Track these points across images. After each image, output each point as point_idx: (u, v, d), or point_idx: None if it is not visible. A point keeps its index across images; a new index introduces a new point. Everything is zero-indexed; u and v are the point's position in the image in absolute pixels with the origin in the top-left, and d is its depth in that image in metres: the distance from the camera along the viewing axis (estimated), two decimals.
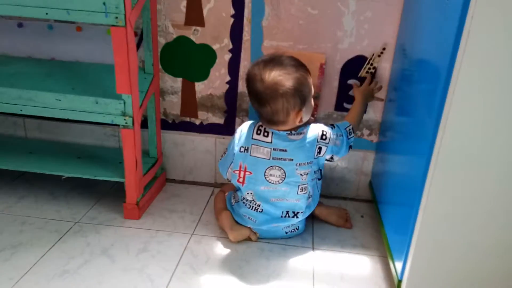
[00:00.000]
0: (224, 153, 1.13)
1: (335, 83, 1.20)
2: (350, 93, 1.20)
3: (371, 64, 1.14)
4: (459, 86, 0.70)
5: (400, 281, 0.87)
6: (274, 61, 0.98)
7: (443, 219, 0.81)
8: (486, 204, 0.78)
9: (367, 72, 1.15)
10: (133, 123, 1.08)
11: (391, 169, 1.07)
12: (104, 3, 0.96)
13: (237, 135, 1.08)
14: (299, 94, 0.97)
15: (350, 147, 1.08)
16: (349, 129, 1.08)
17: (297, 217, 1.07)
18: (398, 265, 0.90)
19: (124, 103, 1.06)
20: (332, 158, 1.06)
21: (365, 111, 1.19)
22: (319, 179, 1.09)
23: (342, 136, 1.06)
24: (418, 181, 0.80)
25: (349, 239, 1.12)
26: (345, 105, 1.22)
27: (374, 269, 1.02)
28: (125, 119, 1.07)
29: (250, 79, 1.00)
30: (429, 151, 0.76)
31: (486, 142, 0.73)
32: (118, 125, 1.09)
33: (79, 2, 0.97)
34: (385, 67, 1.16)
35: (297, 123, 1.01)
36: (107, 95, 1.09)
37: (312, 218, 1.16)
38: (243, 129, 1.07)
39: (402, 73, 1.05)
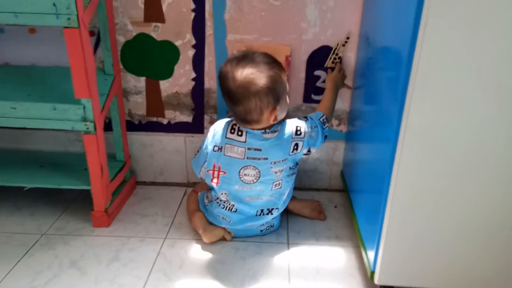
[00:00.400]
0: (198, 151, 1.10)
1: (302, 75, 1.19)
2: (318, 84, 1.19)
3: (336, 54, 1.13)
4: (420, 71, 0.70)
5: (373, 272, 0.88)
6: (247, 58, 0.95)
7: (412, 205, 0.81)
8: (454, 187, 0.79)
9: (333, 62, 1.15)
10: (95, 128, 1.03)
11: (361, 158, 1.08)
12: (54, 4, 0.90)
13: (210, 133, 1.05)
14: (273, 93, 0.95)
15: (326, 137, 1.07)
16: (323, 119, 1.07)
17: (271, 214, 1.06)
18: (371, 255, 0.90)
19: (84, 108, 1.01)
20: (309, 151, 1.04)
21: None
22: (293, 174, 1.08)
23: (317, 127, 1.04)
24: (386, 168, 0.80)
25: (324, 230, 1.12)
26: (314, 96, 1.21)
27: (349, 260, 1.02)
28: (86, 125, 1.02)
29: (222, 77, 0.97)
30: (394, 137, 0.77)
31: (450, 125, 0.74)
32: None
33: (27, 3, 0.91)
34: (350, 56, 1.15)
35: (272, 122, 0.99)
36: (66, 100, 1.04)
37: (286, 213, 1.16)
38: (216, 127, 1.04)
39: (366, 62, 1.05)
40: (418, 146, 0.76)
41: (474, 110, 0.72)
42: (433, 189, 0.80)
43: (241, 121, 1.00)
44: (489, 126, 0.74)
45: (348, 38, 1.12)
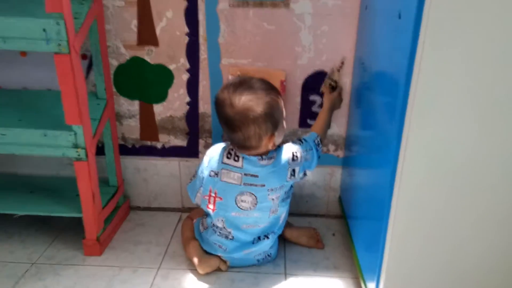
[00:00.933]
0: (193, 176, 1.08)
1: (297, 99, 1.17)
2: (313, 109, 1.17)
3: (331, 79, 1.12)
4: (418, 96, 0.70)
5: None
6: (244, 84, 0.95)
7: (414, 233, 0.79)
8: (456, 212, 0.77)
9: (329, 86, 1.13)
10: (86, 155, 1.01)
11: (359, 183, 1.05)
12: (44, 30, 0.89)
13: (206, 158, 1.03)
14: (271, 119, 0.94)
15: (319, 157, 1.06)
16: (317, 141, 1.06)
17: (268, 238, 1.03)
18: (371, 287, 0.87)
19: (75, 134, 0.99)
20: (305, 174, 1.03)
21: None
22: (288, 198, 1.06)
23: (312, 149, 1.03)
24: (386, 194, 0.78)
25: (322, 260, 1.09)
26: (309, 121, 1.19)
27: None
28: (77, 151, 1.00)
29: (219, 104, 0.96)
30: (394, 162, 0.75)
31: (449, 151, 0.73)
32: None
33: (16, 29, 0.89)
34: (345, 82, 1.14)
35: (270, 148, 0.98)
36: (58, 126, 1.02)
37: (283, 241, 1.13)
38: (212, 152, 1.02)
39: (362, 86, 1.03)
40: (418, 170, 0.75)
41: (473, 133, 0.72)
42: (435, 215, 0.78)
43: (238, 147, 0.98)
44: (489, 150, 0.72)
45: (342, 63, 1.11)
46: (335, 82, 1.12)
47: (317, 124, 1.10)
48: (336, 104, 1.13)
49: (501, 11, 0.64)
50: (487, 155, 0.73)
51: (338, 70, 1.11)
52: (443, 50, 0.66)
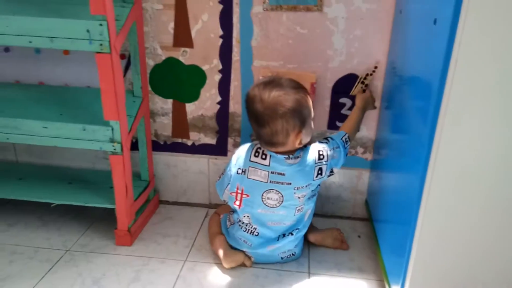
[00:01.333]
0: (222, 173, 1.11)
1: (327, 102, 1.18)
2: (343, 111, 1.18)
3: (363, 83, 1.12)
4: (451, 103, 0.70)
5: None
6: (274, 82, 0.98)
7: (441, 239, 0.79)
8: (486, 221, 0.77)
9: (360, 90, 1.13)
10: (122, 149, 1.06)
11: (387, 187, 1.05)
12: (88, 30, 0.94)
13: (234, 156, 1.06)
14: (299, 115, 0.96)
15: (346, 155, 1.07)
16: (345, 139, 1.06)
17: (292, 235, 1.05)
18: None
19: (112, 129, 1.04)
20: (332, 171, 1.04)
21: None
22: (314, 196, 1.07)
23: (339, 147, 1.04)
24: (414, 199, 0.78)
25: (346, 261, 1.10)
26: (338, 123, 1.20)
27: None
28: (113, 146, 1.05)
29: (250, 100, 0.99)
30: (423, 168, 0.75)
31: (480, 157, 0.73)
32: None
33: (62, 29, 0.95)
34: (377, 85, 1.14)
35: (297, 146, 0.99)
36: (96, 121, 1.07)
37: (308, 242, 1.14)
38: (241, 150, 1.05)
39: (394, 91, 1.03)
40: (448, 177, 0.74)
41: (505, 140, 0.71)
42: (464, 223, 0.77)
43: (266, 143, 1.00)
44: None
45: (376, 67, 1.11)
46: (366, 85, 1.13)
47: (347, 123, 1.11)
48: (369, 104, 1.13)
49: None
50: None
51: (371, 74, 1.12)
52: (477, 57, 0.66)
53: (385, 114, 1.11)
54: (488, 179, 0.74)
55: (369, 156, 1.23)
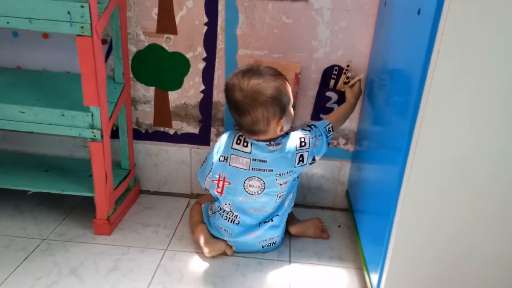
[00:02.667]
0: (204, 161, 1.10)
1: (311, 93, 1.19)
2: (328, 105, 1.19)
3: (347, 77, 1.13)
4: (432, 95, 0.70)
5: None
6: (252, 70, 0.97)
7: (419, 229, 0.81)
8: (463, 211, 0.78)
9: (345, 83, 1.14)
10: (101, 136, 1.03)
11: (367, 178, 1.07)
12: (68, 12, 0.91)
13: (216, 144, 1.06)
14: (279, 103, 0.96)
15: (329, 143, 1.07)
16: (329, 128, 1.07)
17: (272, 221, 1.05)
18: (374, 278, 0.89)
19: (92, 115, 1.01)
20: (314, 159, 1.04)
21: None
22: (294, 180, 1.07)
23: (322, 135, 1.05)
24: (393, 189, 0.80)
25: (326, 250, 1.11)
26: (322, 115, 1.21)
27: (351, 282, 1.01)
28: (93, 132, 1.03)
29: (229, 89, 0.98)
30: (403, 160, 0.76)
31: (460, 149, 0.74)
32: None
33: (42, 10, 0.92)
34: (360, 77, 1.15)
35: (278, 133, 1.00)
36: (75, 107, 1.05)
37: (289, 233, 1.14)
38: (222, 138, 1.05)
39: (376, 83, 1.05)
40: (427, 168, 0.75)
41: (484, 132, 0.72)
42: (442, 213, 0.79)
43: (247, 132, 1.00)
44: (499, 148, 0.73)
45: (348, 66, 1.13)
46: (348, 78, 1.14)
47: (334, 113, 1.11)
48: (357, 98, 1.13)
49: None
50: (496, 153, 0.73)
51: (345, 73, 1.13)
52: (460, 48, 0.67)
53: (368, 106, 1.12)
54: (467, 170, 0.75)
55: (350, 147, 1.24)
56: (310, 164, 1.04)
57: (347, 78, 1.14)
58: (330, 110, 1.18)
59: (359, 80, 1.13)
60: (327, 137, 1.06)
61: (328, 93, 1.17)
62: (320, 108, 1.20)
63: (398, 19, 0.90)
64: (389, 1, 0.98)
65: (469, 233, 0.80)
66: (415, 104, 0.72)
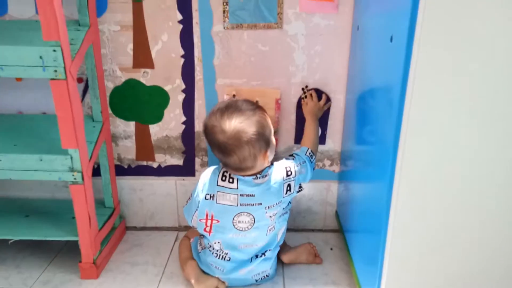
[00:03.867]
0: (189, 198, 1.08)
1: (292, 117, 1.19)
2: None
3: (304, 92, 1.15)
4: (413, 114, 0.72)
5: None
6: (231, 107, 0.96)
7: (413, 244, 0.80)
8: (455, 223, 0.79)
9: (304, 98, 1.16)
10: (82, 178, 1.01)
11: (355, 197, 1.07)
12: (40, 57, 0.89)
13: (200, 181, 1.04)
14: (263, 137, 0.95)
15: (314, 168, 1.08)
16: (310, 153, 1.07)
17: (264, 255, 1.03)
18: None
19: (71, 158, 0.99)
20: (300, 187, 1.04)
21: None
22: (286, 213, 1.06)
23: (305, 162, 1.05)
24: (383, 207, 0.80)
25: (320, 276, 1.09)
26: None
27: None
28: (73, 175, 1.00)
29: (210, 131, 0.96)
30: (390, 176, 0.77)
31: (446, 161, 0.75)
32: None
33: (13, 57, 0.90)
34: (339, 99, 1.16)
35: (266, 165, 0.99)
36: (53, 150, 1.02)
37: (282, 262, 1.12)
38: (206, 175, 1.03)
39: (356, 104, 1.06)
40: (415, 183, 0.76)
41: (466, 147, 0.74)
42: (434, 227, 0.79)
43: (235, 170, 0.98)
44: (485, 161, 0.75)
45: (306, 86, 1.15)
46: (308, 90, 1.15)
47: (306, 139, 1.11)
48: (316, 113, 1.13)
49: (488, 33, 0.66)
50: (482, 167, 0.75)
51: (304, 93, 1.15)
52: (435, 72, 0.69)
53: (350, 126, 1.13)
54: (453, 185, 0.76)
55: (336, 168, 1.24)
56: (298, 192, 1.04)
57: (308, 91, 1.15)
58: None
59: (312, 95, 1.14)
60: (311, 162, 1.06)
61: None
62: (302, 130, 1.20)
63: (371, 43, 0.91)
64: (361, 26, 1.00)
65: (464, 247, 0.80)
66: (397, 121, 0.73)
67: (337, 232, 1.28)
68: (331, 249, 1.21)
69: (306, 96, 1.15)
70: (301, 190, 1.05)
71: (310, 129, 1.11)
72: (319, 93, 1.16)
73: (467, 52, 0.68)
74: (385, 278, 0.83)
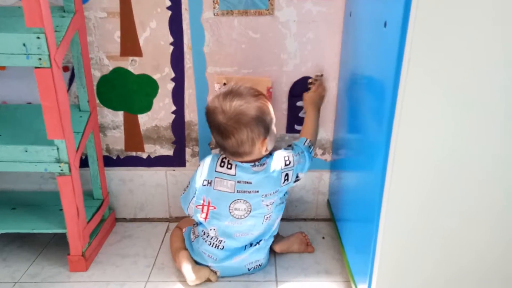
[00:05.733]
0: (187, 186, 1.07)
1: (284, 106, 1.17)
2: (300, 114, 1.18)
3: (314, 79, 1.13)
4: (406, 100, 0.71)
5: None
6: (233, 92, 0.96)
7: (405, 233, 0.80)
8: (447, 212, 0.79)
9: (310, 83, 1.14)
10: (69, 170, 0.98)
11: (348, 186, 1.06)
12: (24, 44, 0.86)
13: (199, 168, 1.03)
14: (263, 123, 0.95)
15: (311, 158, 1.07)
16: (308, 143, 1.06)
17: (259, 244, 1.03)
18: None
19: (58, 149, 0.96)
20: (297, 177, 1.03)
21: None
22: (282, 203, 1.05)
23: (303, 152, 1.04)
24: (376, 195, 0.79)
25: (312, 265, 1.09)
26: (296, 126, 1.20)
27: None
28: (60, 166, 0.97)
29: (210, 113, 0.96)
30: (383, 165, 0.76)
31: (437, 151, 0.74)
32: None
33: None
34: (331, 86, 1.15)
35: (263, 153, 0.99)
36: (39, 141, 0.99)
37: (274, 251, 1.12)
38: (206, 161, 1.02)
39: (349, 92, 1.04)
40: (408, 171, 0.76)
41: (459, 135, 0.73)
42: (426, 215, 0.79)
43: (232, 154, 0.98)
44: (477, 151, 0.74)
45: (321, 75, 1.12)
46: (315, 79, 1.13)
47: (305, 129, 1.10)
48: (317, 103, 1.11)
49: (483, 20, 0.65)
50: (474, 156, 0.75)
51: (316, 80, 1.13)
52: (429, 58, 0.68)
53: (342, 115, 1.12)
54: (446, 173, 0.76)
55: (328, 157, 1.24)
56: (295, 182, 1.03)
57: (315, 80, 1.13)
58: (303, 120, 1.17)
59: (319, 82, 1.12)
60: (309, 153, 1.05)
61: (299, 103, 1.16)
62: (294, 120, 1.19)
63: (364, 29, 0.90)
64: (354, 12, 0.98)
65: (456, 235, 0.80)
66: (390, 109, 0.72)
67: (329, 221, 1.28)
68: (323, 238, 1.20)
69: (312, 83, 1.12)
70: (299, 180, 1.04)
71: (310, 119, 1.10)
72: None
73: (463, 38, 0.66)
74: (377, 266, 0.83)
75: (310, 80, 1.13)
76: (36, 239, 1.18)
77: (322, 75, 1.13)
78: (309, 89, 1.13)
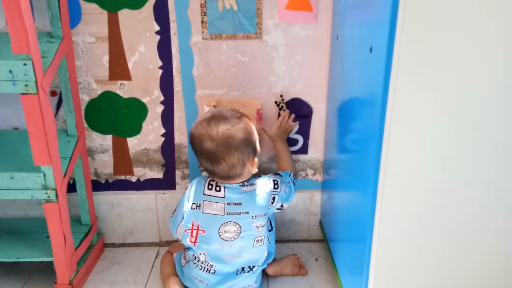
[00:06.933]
0: (175, 210, 1.06)
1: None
2: (290, 135, 1.18)
3: (281, 108, 1.14)
4: (395, 122, 0.71)
5: None
6: (216, 116, 0.96)
7: (399, 253, 0.80)
8: (439, 230, 0.79)
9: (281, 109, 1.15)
10: (56, 196, 0.96)
11: (339, 206, 1.06)
12: (10, 71, 0.85)
13: (187, 191, 1.02)
14: (251, 143, 0.96)
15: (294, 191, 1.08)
16: (293, 176, 1.09)
17: (252, 271, 1.01)
18: None
19: (44, 175, 0.94)
20: (282, 206, 1.05)
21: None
22: (269, 230, 1.05)
23: (290, 183, 1.06)
24: (368, 215, 0.79)
25: None
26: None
27: None
28: (47, 193, 0.95)
29: (197, 140, 0.96)
30: (374, 185, 0.76)
31: (429, 168, 0.75)
32: None
33: None
34: (320, 108, 1.16)
35: (253, 172, 0.99)
36: (25, 167, 0.97)
37: (267, 274, 1.10)
38: (193, 185, 1.02)
39: (338, 113, 1.05)
40: (399, 191, 0.76)
41: (449, 154, 0.74)
42: (419, 235, 0.79)
43: (223, 178, 0.98)
44: (468, 167, 0.75)
45: (281, 96, 1.14)
46: (280, 103, 1.14)
47: (283, 162, 1.12)
48: (282, 136, 1.13)
49: (466, 44, 0.67)
50: (464, 174, 0.75)
51: (280, 103, 1.15)
52: (414, 82, 0.69)
53: (332, 136, 1.12)
54: (438, 189, 0.76)
55: (319, 177, 1.24)
56: (278, 209, 1.04)
57: (281, 107, 1.15)
58: (294, 140, 1.18)
59: (284, 112, 1.14)
60: (293, 184, 1.07)
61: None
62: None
63: (351, 53, 0.91)
64: (340, 36, 1.00)
65: (449, 254, 0.80)
66: (379, 131, 0.73)
67: (322, 242, 1.27)
68: (316, 259, 1.19)
69: (282, 107, 1.14)
70: (281, 209, 1.05)
71: (284, 152, 1.12)
72: (299, 103, 1.15)
73: (446, 62, 0.68)
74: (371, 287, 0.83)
75: (279, 105, 1.15)
76: (22, 268, 1.15)
77: (281, 96, 1.13)
78: (278, 114, 1.14)
